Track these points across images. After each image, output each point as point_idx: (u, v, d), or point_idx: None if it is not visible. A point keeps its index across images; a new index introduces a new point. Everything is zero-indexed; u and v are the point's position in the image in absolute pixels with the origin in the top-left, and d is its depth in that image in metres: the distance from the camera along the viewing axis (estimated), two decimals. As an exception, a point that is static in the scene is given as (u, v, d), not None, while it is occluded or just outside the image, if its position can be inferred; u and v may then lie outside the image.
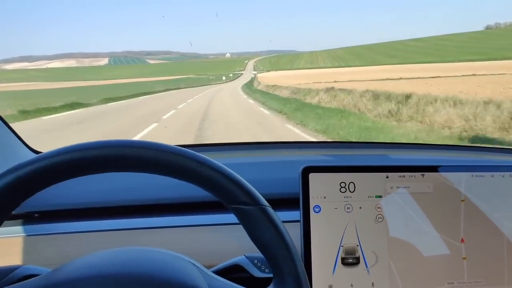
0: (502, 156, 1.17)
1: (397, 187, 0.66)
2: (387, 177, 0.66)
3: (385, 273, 0.64)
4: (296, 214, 0.65)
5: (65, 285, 0.46)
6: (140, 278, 0.47)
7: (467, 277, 0.66)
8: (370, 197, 0.65)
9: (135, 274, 0.48)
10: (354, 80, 25.33)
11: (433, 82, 19.36)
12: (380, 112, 9.84)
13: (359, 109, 10.93)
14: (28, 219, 0.82)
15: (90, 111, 15.13)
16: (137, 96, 25.50)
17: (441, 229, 0.66)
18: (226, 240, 0.76)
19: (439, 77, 24.50)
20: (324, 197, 0.64)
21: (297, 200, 0.64)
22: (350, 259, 0.64)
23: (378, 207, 0.65)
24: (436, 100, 9.47)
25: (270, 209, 0.49)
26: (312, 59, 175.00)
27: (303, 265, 0.49)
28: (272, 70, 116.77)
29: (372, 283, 0.64)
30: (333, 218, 0.64)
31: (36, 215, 0.83)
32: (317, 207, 0.64)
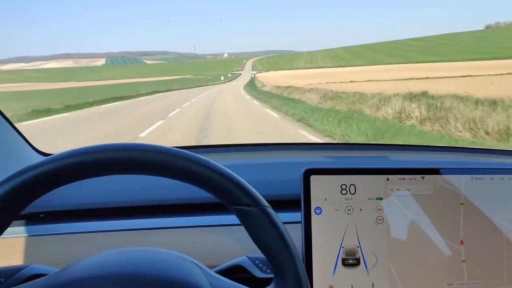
0: (501, 158, 1.18)
1: (398, 189, 0.67)
2: (388, 179, 0.67)
3: (385, 274, 0.65)
4: (297, 216, 0.67)
5: (71, 285, 0.47)
6: (144, 278, 0.48)
7: (466, 278, 0.67)
8: (370, 199, 0.66)
9: (139, 274, 0.49)
10: (373, 80, 23.43)
11: (471, 81, 17.27)
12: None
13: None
14: (34, 219, 0.83)
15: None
16: (108, 102, 19.62)
17: (441, 231, 0.67)
18: (228, 241, 0.77)
19: (470, 76, 22.53)
20: (325, 199, 0.65)
21: (298, 202, 0.66)
22: (351, 260, 0.65)
23: (378, 209, 0.66)
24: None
25: (271, 210, 0.50)
26: (311, 59, 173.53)
27: (303, 265, 0.50)
28: (271, 70, 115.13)
29: (372, 284, 0.65)
30: (334, 220, 0.65)
31: (42, 215, 0.84)
32: (318, 209, 0.65)
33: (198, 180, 0.48)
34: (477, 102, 8.56)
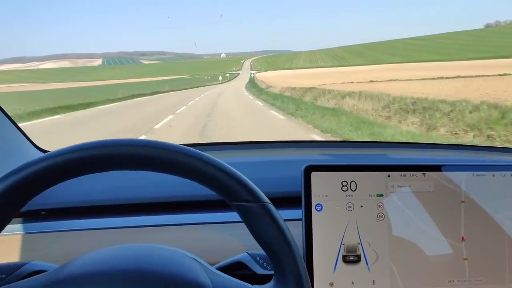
0: (503, 156, 1.18)
1: (399, 186, 0.67)
2: (389, 176, 0.67)
3: (385, 271, 0.65)
4: (298, 213, 0.67)
5: (71, 281, 0.47)
6: (144, 274, 0.48)
7: (468, 275, 0.67)
8: (371, 195, 0.66)
9: (139, 270, 0.49)
10: (396, 80, 20.89)
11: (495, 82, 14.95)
12: None
13: None
14: (35, 216, 0.84)
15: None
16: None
17: (442, 228, 0.67)
18: (229, 238, 0.77)
19: (479, 76, 20.11)
20: (326, 196, 0.66)
21: (299, 199, 0.66)
22: (351, 257, 0.65)
23: (379, 206, 0.66)
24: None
25: (271, 206, 0.50)
26: (310, 58, 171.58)
27: (304, 262, 0.51)
28: (270, 70, 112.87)
29: (373, 281, 0.65)
30: (334, 217, 0.65)
31: (43, 212, 0.85)
32: (319, 206, 0.65)
33: (198, 176, 0.48)
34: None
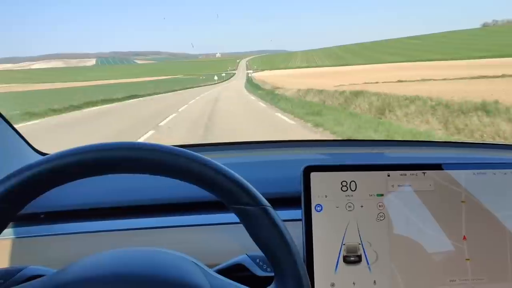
0: (503, 153, 1.19)
1: (399, 185, 0.67)
2: (389, 175, 0.67)
3: (386, 271, 0.65)
4: (297, 213, 0.67)
5: (69, 286, 0.47)
6: (143, 278, 0.48)
7: (469, 275, 0.67)
8: (371, 195, 0.66)
9: (138, 274, 0.49)
10: (426, 80, 17.57)
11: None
12: None
13: None
14: (34, 219, 0.84)
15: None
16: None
17: (443, 227, 0.67)
18: (228, 240, 0.77)
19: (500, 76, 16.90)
20: (326, 196, 0.65)
21: (298, 199, 0.66)
22: (352, 257, 0.65)
23: (379, 206, 0.66)
24: None
25: (271, 209, 0.50)
26: (307, 58, 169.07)
27: (304, 265, 0.51)
28: (266, 69, 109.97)
29: (374, 281, 0.65)
30: (334, 217, 0.65)
31: (42, 215, 0.85)
32: (319, 206, 0.65)
33: (198, 179, 0.48)
34: None
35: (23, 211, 0.47)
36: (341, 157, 1.19)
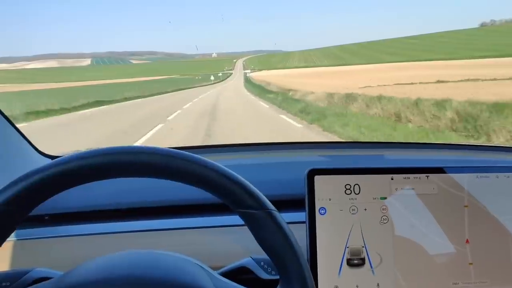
0: (507, 156, 1.18)
1: (402, 189, 0.67)
2: (392, 178, 0.68)
3: (390, 274, 0.66)
4: (301, 215, 0.67)
5: None
6: (148, 280, 0.49)
7: (473, 278, 0.67)
8: (375, 198, 0.67)
9: (143, 277, 0.49)
10: (469, 80, 15.37)
11: None
12: None
13: None
14: (39, 221, 0.84)
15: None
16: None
17: (446, 230, 0.68)
18: (232, 242, 0.77)
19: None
20: (330, 199, 0.66)
21: (302, 201, 0.66)
22: (356, 260, 0.65)
23: (383, 209, 0.67)
24: None
25: (276, 213, 0.50)
26: (305, 58, 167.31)
27: (309, 268, 0.51)
28: (264, 69, 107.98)
29: (378, 284, 0.65)
30: (338, 220, 0.66)
31: (47, 217, 0.85)
32: (323, 209, 0.66)
33: (202, 183, 0.49)
34: None
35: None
36: (344, 159, 1.20)
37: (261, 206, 0.49)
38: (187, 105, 16.72)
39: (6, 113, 0.96)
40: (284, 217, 0.51)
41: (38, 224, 0.83)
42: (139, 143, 7.60)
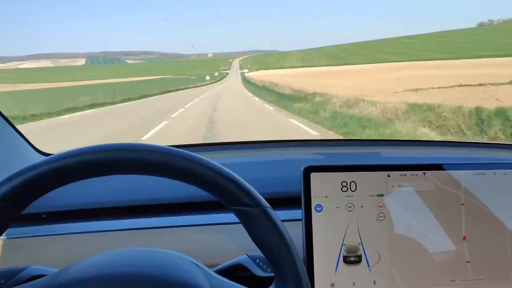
0: (504, 153, 1.19)
1: (399, 186, 0.68)
2: (389, 175, 0.68)
3: (386, 271, 0.66)
4: (297, 213, 0.68)
5: (71, 285, 0.48)
6: (143, 278, 0.49)
7: (470, 275, 0.68)
8: (371, 196, 0.67)
9: (138, 274, 0.50)
10: None
11: None
12: None
13: None
14: (36, 219, 0.85)
15: None
16: None
17: (443, 227, 0.68)
18: (227, 240, 0.78)
19: None
20: (326, 197, 0.66)
21: (298, 199, 0.67)
22: (352, 258, 0.66)
23: (379, 206, 0.67)
24: None
25: (271, 211, 0.51)
26: (303, 58, 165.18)
27: (303, 265, 0.52)
28: (261, 69, 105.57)
29: (374, 281, 0.66)
30: (334, 217, 0.66)
31: (44, 215, 0.86)
32: (319, 207, 0.66)
33: (197, 180, 0.49)
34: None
35: (24, 211, 0.48)
36: (340, 156, 1.20)
37: (256, 203, 0.50)
38: (176, 114, 12.40)
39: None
40: (280, 215, 0.51)
41: (35, 222, 0.84)
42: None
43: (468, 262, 0.67)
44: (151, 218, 0.84)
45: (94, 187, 0.87)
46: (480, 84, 13.14)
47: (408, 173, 0.68)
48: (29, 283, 0.51)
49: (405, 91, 13.21)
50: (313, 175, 0.66)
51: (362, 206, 0.66)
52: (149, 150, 0.48)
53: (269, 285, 0.53)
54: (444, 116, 8.01)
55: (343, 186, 0.66)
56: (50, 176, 0.46)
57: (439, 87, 13.19)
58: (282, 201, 0.74)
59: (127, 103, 19.49)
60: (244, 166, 1.06)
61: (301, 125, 9.35)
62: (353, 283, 0.65)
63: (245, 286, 0.52)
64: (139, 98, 23.27)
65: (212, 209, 0.83)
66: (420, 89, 13.44)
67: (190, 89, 35.43)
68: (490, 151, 1.23)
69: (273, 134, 8.44)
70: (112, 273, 0.50)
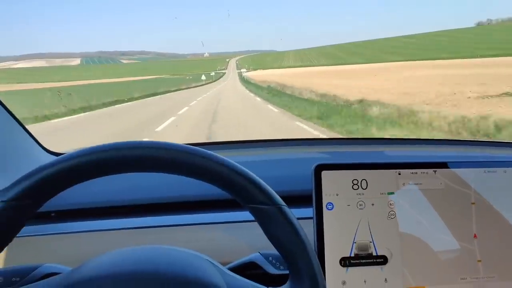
0: None
1: (409, 184, 0.68)
2: (399, 173, 0.68)
3: (397, 269, 0.66)
4: (308, 211, 0.68)
5: (85, 283, 0.49)
6: (159, 275, 0.50)
7: (481, 272, 0.68)
8: (382, 193, 0.67)
9: (154, 272, 0.50)
10: None
11: None
12: None
13: None
14: (45, 218, 0.85)
15: None
16: None
17: (454, 225, 0.68)
18: (240, 238, 0.79)
19: None
20: (337, 194, 0.67)
21: (309, 197, 0.67)
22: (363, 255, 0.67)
23: (390, 204, 0.67)
24: None
25: (286, 209, 0.51)
26: (301, 57, 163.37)
27: (319, 263, 0.52)
28: (259, 69, 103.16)
29: (385, 279, 0.66)
30: (346, 215, 0.66)
31: (53, 214, 0.86)
32: (330, 204, 0.66)
33: (214, 178, 0.49)
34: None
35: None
36: (349, 155, 1.22)
37: (272, 201, 0.50)
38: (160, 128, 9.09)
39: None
40: (292, 212, 0.52)
41: (45, 220, 0.84)
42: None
43: (480, 261, 0.68)
44: (163, 216, 0.84)
45: (103, 186, 0.87)
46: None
47: (418, 171, 0.68)
48: (44, 280, 0.52)
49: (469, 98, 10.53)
50: (324, 173, 0.66)
51: (373, 204, 0.67)
52: (165, 148, 0.48)
53: (282, 283, 0.53)
54: None
55: (354, 184, 0.67)
56: (69, 173, 0.47)
57: None
58: (292, 199, 0.74)
59: (73, 116, 12.69)
60: (254, 164, 1.06)
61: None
62: (364, 281, 0.66)
63: (258, 283, 0.52)
64: (107, 105, 16.11)
65: (224, 207, 0.84)
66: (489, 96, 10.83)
67: (183, 90, 31.24)
68: (498, 149, 1.24)
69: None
70: (126, 271, 0.50)
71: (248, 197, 0.50)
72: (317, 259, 0.52)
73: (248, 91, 23.55)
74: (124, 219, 0.84)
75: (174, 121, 10.26)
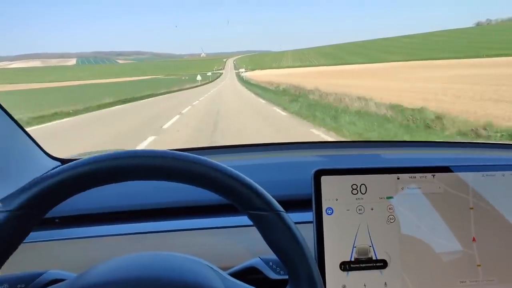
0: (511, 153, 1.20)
1: (408, 188, 0.69)
2: (398, 178, 0.69)
3: (397, 273, 0.67)
4: (308, 216, 0.69)
5: None
6: (160, 281, 0.50)
7: (480, 276, 0.69)
8: (381, 198, 0.68)
9: (155, 278, 0.51)
10: None
11: None
12: None
13: None
14: (50, 224, 0.86)
15: None
16: None
17: (453, 229, 0.69)
18: (240, 242, 0.79)
19: None
20: (336, 199, 0.67)
21: (308, 201, 0.68)
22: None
23: (389, 208, 0.68)
24: None
25: (285, 215, 0.52)
26: (300, 57, 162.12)
27: (318, 269, 0.53)
28: (257, 69, 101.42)
29: (385, 283, 0.67)
30: (345, 220, 0.67)
31: (57, 220, 0.87)
32: (330, 209, 0.67)
33: (211, 185, 0.50)
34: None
35: None
36: (349, 158, 1.21)
37: (270, 208, 0.51)
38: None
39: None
40: (291, 218, 0.53)
41: (49, 226, 0.85)
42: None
43: (479, 265, 0.68)
44: (163, 221, 0.85)
45: (106, 191, 0.87)
46: None
47: (417, 175, 0.69)
48: (49, 287, 0.53)
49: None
50: (324, 178, 0.67)
51: (372, 209, 0.67)
52: (163, 156, 0.49)
53: None
54: None
55: (353, 189, 0.67)
56: (75, 182, 0.47)
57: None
58: (291, 204, 0.74)
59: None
60: (252, 168, 1.06)
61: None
62: (364, 285, 0.66)
63: None
64: (56, 117, 12.69)
65: (224, 212, 0.84)
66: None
67: (176, 92, 29.35)
68: (497, 151, 1.23)
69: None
70: (131, 276, 0.51)
71: (246, 203, 0.51)
72: (316, 265, 0.53)
73: (254, 95, 20.30)
74: (126, 225, 0.84)
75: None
